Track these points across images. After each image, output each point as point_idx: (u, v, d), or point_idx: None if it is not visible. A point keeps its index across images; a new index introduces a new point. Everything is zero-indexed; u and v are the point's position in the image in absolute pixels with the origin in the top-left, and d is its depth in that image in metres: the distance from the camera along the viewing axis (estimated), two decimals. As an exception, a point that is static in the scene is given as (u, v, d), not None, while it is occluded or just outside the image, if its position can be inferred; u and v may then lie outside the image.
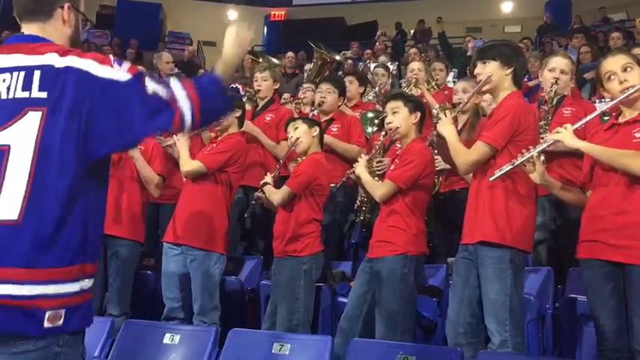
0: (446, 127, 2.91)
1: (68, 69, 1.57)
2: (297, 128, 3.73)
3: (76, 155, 1.56)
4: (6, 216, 1.50)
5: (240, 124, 3.96)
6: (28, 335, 1.49)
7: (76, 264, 1.56)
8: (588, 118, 2.73)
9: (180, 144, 3.72)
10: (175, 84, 1.62)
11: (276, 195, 3.62)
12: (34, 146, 1.52)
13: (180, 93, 1.61)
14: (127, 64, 1.62)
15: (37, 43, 1.66)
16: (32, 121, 1.54)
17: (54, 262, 1.52)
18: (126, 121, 1.56)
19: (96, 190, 1.64)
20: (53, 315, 1.51)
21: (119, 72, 1.59)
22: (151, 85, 1.60)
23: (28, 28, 1.72)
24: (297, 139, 3.67)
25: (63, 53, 1.61)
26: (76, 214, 1.56)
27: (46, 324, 1.50)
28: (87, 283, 1.60)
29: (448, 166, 3.41)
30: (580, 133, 2.73)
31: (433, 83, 5.59)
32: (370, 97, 5.83)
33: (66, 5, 1.74)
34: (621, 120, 2.70)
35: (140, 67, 1.64)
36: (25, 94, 1.56)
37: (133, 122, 1.57)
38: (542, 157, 2.71)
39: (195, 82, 1.66)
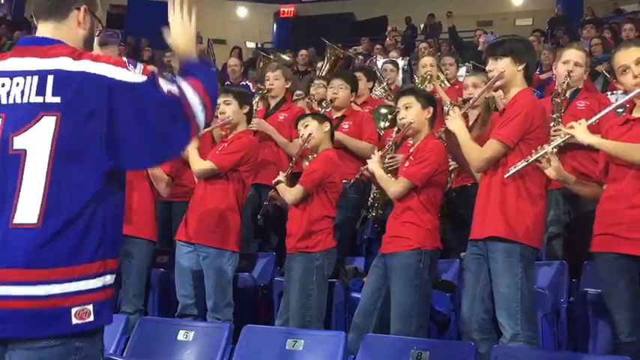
0: (455, 123, 2.90)
1: (83, 74, 1.58)
2: (307, 125, 3.72)
3: (92, 159, 1.57)
4: (26, 220, 1.52)
5: (248, 120, 3.96)
6: (58, 335, 1.51)
7: (96, 260, 1.58)
8: (603, 113, 2.69)
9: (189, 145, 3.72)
10: (186, 88, 1.64)
11: (289, 194, 3.62)
12: (50, 151, 1.54)
13: (193, 99, 1.63)
14: (140, 66, 1.64)
15: (50, 46, 1.67)
16: (47, 126, 1.55)
17: (75, 261, 1.54)
18: (148, 124, 1.59)
19: (114, 191, 1.65)
20: (80, 311, 1.53)
21: (134, 74, 1.60)
22: (166, 86, 1.62)
23: (43, 27, 1.73)
24: (310, 134, 3.67)
25: (76, 57, 1.62)
26: (94, 215, 1.58)
27: (75, 321, 1.53)
28: (109, 279, 1.63)
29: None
30: (594, 128, 2.71)
31: (442, 78, 5.56)
32: (378, 93, 5.81)
33: (82, 7, 1.75)
34: (635, 115, 2.68)
35: (152, 68, 1.65)
36: (40, 99, 1.57)
37: (154, 125, 1.60)
38: (556, 150, 2.69)
39: (200, 79, 1.68)
